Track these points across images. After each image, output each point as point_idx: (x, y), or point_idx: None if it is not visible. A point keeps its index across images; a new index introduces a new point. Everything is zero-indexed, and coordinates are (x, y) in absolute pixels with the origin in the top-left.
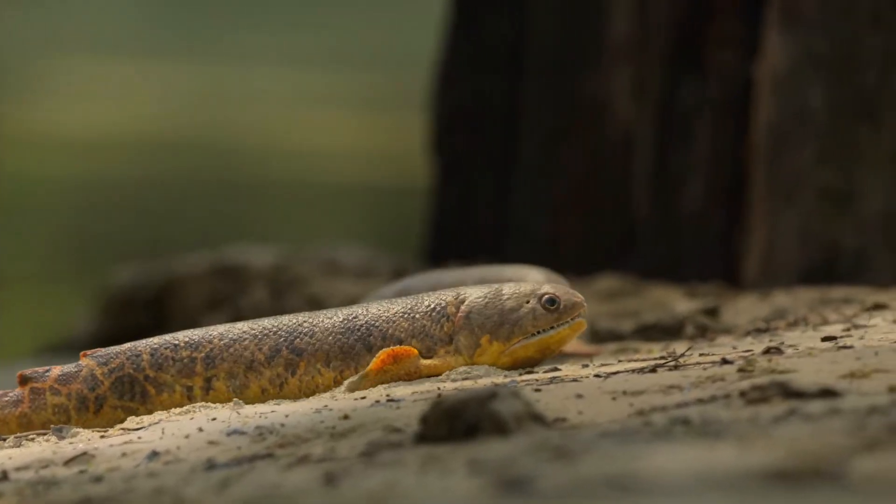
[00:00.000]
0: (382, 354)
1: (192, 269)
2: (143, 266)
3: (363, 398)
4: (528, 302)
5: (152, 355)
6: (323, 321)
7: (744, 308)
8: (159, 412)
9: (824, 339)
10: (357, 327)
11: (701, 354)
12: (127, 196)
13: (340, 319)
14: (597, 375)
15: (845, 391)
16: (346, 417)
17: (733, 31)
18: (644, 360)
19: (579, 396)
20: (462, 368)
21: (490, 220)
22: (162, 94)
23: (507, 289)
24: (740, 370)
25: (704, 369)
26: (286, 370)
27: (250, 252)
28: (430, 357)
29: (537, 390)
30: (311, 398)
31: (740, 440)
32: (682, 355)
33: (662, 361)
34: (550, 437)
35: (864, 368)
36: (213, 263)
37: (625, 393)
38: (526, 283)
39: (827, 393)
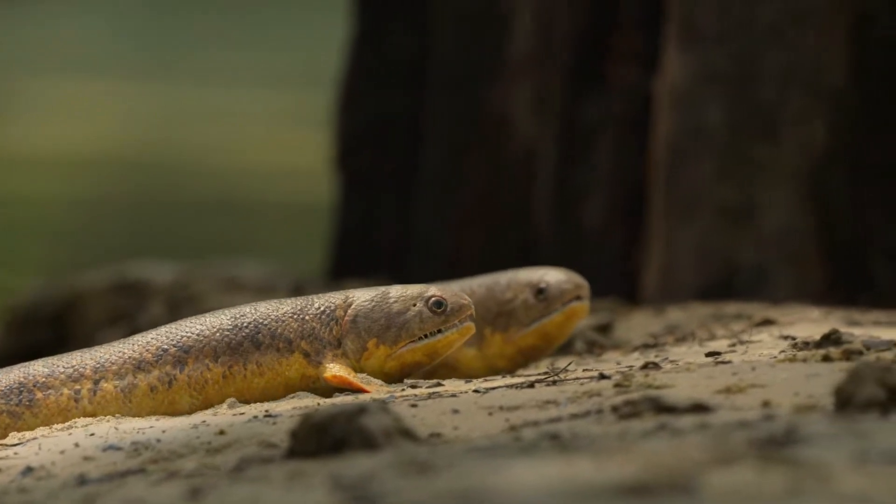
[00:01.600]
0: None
1: (93, 286)
2: (47, 282)
3: (242, 413)
4: (414, 305)
5: (44, 364)
6: (210, 320)
7: (637, 324)
8: (40, 428)
9: (708, 355)
10: (245, 325)
11: (584, 370)
12: (90, 214)
13: (228, 318)
14: (476, 391)
15: (718, 406)
16: (222, 433)
17: (634, 47)
18: (525, 375)
19: (456, 412)
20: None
21: (392, 235)
22: (128, 113)
23: (395, 291)
24: (617, 385)
25: (582, 384)
26: (174, 367)
27: (152, 268)
28: (318, 360)
29: (414, 405)
30: (190, 415)
31: (600, 454)
32: (563, 370)
33: (542, 377)
34: (418, 453)
35: (739, 383)
36: (115, 279)
37: (501, 408)
38: (413, 285)
39: (699, 408)
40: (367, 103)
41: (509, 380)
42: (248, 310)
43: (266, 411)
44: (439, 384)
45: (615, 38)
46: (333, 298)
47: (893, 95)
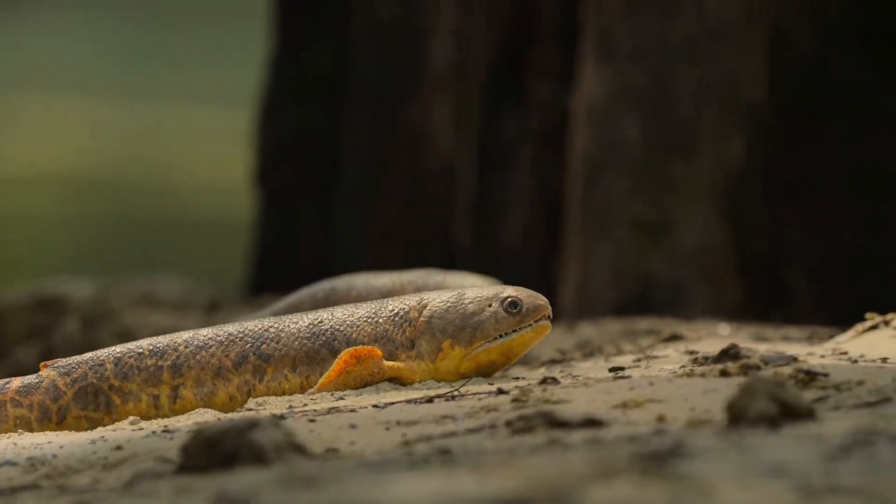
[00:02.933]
0: (345, 355)
1: (13, 301)
2: None
3: (141, 429)
4: (490, 306)
5: (116, 364)
6: (289, 326)
7: (549, 339)
8: None
9: (611, 370)
10: (322, 332)
11: (488, 384)
12: (58, 232)
13: (306, 324)
14: (375, 406)
15: (613, 421)
16: (119, 448)
17: (552, 63)
18: (425, 390)
19: (353, 427)
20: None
21: (313, 250)
22: (98, 131)
23: (470, 293)
24: (514, 400)
25: (480, 400)
26: (254, 376)
27: (70, 284)
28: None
29: (312, 420)
30: (90, 431)
31: (484, 468)
32: (463, 385)
33: (442, 392)
34: (307, 468)
35: (637, 398)
36: (34, 295)
37: (399, 423)
38: (489, 286)
39: (591, 423)
40: (287, 119)
41: (410, 395)
42: (325, 315)
43: (164, 426)
44: (341, 398)
45: (532, 53)
46: (408, 301)
47: (810, 111)
